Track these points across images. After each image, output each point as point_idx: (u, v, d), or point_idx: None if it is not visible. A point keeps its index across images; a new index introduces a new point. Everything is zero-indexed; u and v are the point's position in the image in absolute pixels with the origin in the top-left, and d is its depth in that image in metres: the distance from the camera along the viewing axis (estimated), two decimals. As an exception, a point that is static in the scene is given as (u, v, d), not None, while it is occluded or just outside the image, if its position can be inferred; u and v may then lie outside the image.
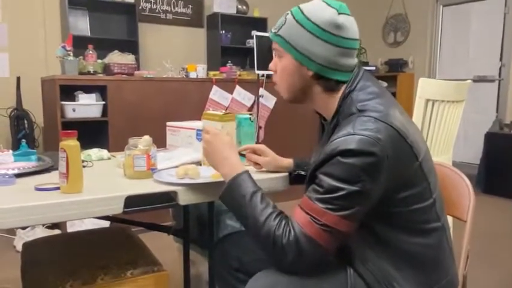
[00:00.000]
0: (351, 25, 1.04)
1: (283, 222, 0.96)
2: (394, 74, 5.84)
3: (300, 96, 1.11)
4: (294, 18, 1.05)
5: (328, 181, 0.93)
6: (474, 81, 4.96)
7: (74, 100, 2.97)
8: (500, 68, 5.05)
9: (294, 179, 1.34)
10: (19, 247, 2.59)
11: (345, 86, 1.06)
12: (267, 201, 1.00)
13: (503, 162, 4.22)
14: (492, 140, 4.38)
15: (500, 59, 5.04)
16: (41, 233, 2.70)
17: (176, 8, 4.89)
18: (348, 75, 1.06)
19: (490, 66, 5.13)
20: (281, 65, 1.10)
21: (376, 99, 1.00)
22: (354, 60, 1.07)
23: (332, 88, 1.07)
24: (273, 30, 1.09)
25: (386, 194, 0.96)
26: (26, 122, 3.81)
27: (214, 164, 1.12)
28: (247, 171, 1.06)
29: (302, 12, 1.04)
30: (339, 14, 1.03)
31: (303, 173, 1.32)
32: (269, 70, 1.17)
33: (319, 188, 0.94)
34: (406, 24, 6.00)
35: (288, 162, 1.35)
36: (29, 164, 1.34)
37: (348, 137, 0.92)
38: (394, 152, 0.93)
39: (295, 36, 1.04)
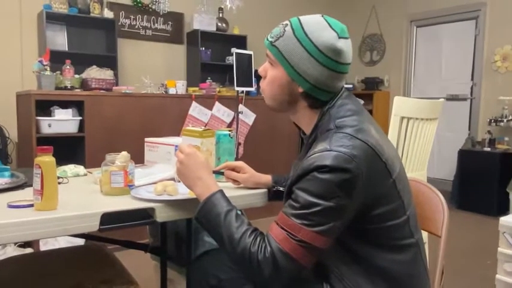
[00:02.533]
0: (348, 50, 1.05)
1: (259, 239, 0.96)
2: (370, 92, 5.98)
3: (284, 107, 1.12)
4: (294, 33, 1.03)
5: (304, 196, 0.94)
6: (447, 99, 5.12)
7: (49, 115, 2.92)
8: (472, 87, 5.23)
9: (273, 195, 1.35)
10: (-12, 267, 2.49)
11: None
12: (242, 219, 1.01)
13: (476, 179, 4.33)
14: (465, 157, 4.50)
15: (472, 79, 5.22)
16: (13, 251, 2.61)
17: (156, 25, 4.90)
18: (334, 95, 1.08)
19: (462, 85, 5.31)
20: (272, 74, 1.09)
21: (353, 117, 1.02)
22: (343, 83, 1.09)
23: (316, 106, 1.08)
24: (269, 39, 1.08)
25: (361, 211, 0.97)
26: (-1, 137, 3.72)
27: (188, 184, 1.12)
28: (220, 191, 1.07)
29: (302, 29, 1.03)
30: (339, 38, 1.03)
31: (281, 189, 1.33)
32: (258, 73, 1.15)
33: (295, 204, 0.95)
34: (381, 44, 6.17)
35: (267, 178, 1.36)
36: (2, 181, 1.30)
37: (324, 153, 0.94)
38: (369, 169, 0.95)
39: (292, 52, 1.03)
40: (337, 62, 1.03)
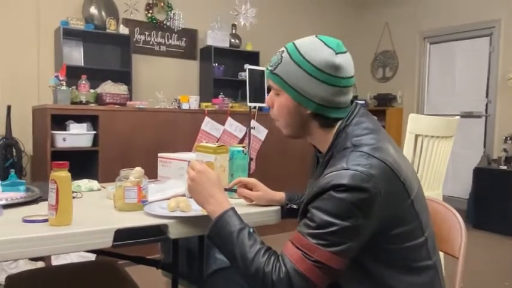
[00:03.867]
0: (347, 64, 1.04)
1: (273, 259, 0.95)
2: (383, 108, 5.95)
3: (299, 132, 1.12)
4: (291, 57, 1.04)
5: (320, 216, 0.92)
6: (461, 116, 5.07)
7: (64, 129, 2.96)
8: (486, 105, 5.17)
9: (286, 213, 1.33)
10: (1, 279, 2.50)
11: (341, 120, 1.06)
12: (255, 238, 1.00)
13: (492, 198, 4.25)
14: (480, 175, 4.43)
15: (487, 96, 5.17)
16: (25, 265, 2.62)
17: (170, 41, 4.97)
18: (345, 111, 1.07)
19: (477, 102, 5.26)
20: (278, 102, 1.09)
21: (370, 135, 1.00)
22: (350, 96, 1.08)
23: (329, 124, 1.07)
24: (269, 68, 1.09)
25: (378, 231, 0.95)
26: (14, 150, 3.77)
27: (199, 202, 1.11)
28: (232, 208, 1.06)
29: (298, 51, 1.04)
30: (337, 54, 1.03)
31: (295, 206, 1.31)
32: (265, 105, 1.17)
33: (311, 223, 0.93)
34: (394, 61, 6.16)
35: (280, 196, 1.35)
36: (18, 195, 1.31)
37: (341, 172, 0.92)
38: (387, 189, 0.93)
39: (292, 76, 1.03)
40: (338, 77, 1.02)
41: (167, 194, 1.37)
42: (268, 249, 0.98)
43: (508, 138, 4.60)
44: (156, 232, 1.12)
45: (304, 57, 1.03)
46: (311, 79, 1.02)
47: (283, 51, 1.07)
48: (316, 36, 1.06)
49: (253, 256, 0.96)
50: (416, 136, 2.25)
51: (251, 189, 1.34)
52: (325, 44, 1.04)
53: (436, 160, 2.34)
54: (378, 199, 0.91)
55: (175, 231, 1.13)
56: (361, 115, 1.06)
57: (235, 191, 1.34)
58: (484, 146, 5.16)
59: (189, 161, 1.55)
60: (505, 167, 4.34)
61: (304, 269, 0.91)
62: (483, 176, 4.41)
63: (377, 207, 0.92)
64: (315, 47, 1.03)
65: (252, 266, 0.95)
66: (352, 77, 1.06)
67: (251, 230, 1.03)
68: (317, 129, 1.09)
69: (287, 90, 1.05)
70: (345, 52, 1.05)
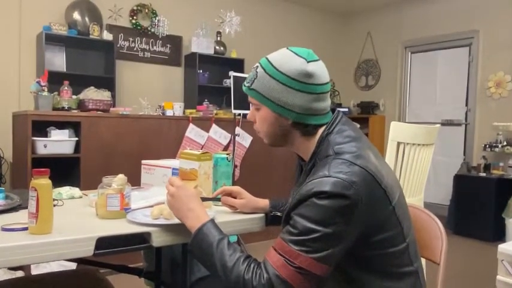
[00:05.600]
0: (320, 71, 1.07)
1: (252, 265, 0.96)
2: (366, 116, 6.03)
3: (280, 141, 1.14)
4: (265, 71, 1.07)
5: (302, 223, 0.93)
6: (442, 124, 5.17)
7: (46, 136, 2.91)
8: (466, 113, 5.29)
9: (271, 220, 1.34)
10: (-23, 290, 2.43)
11: (323, 128, 1.08)
12: (234, 247, 1.01)
13: (472, 204, 4.33)
14: (461, 182, 4.51)
15: (466, 104, 5.29)
16: (3, 274, 2.56)
17: (154, 47, 4.95)
18: (325, 117, 1.09)
19: (457, 110, 5.37)
20: (260, 116, 1.12)
21: (352, 143, 1.02)
22: (328, 102, 1.10)
23: (310, 132, 1.09)
24: (246, 85, 1.12)
25: (360, 237, 0.96)
26: (-7, 157, 3.69)
27: (179, 216, 1.12)
28: (211, 220, 1.08)
29: (272, 65, 1.07)
30: (308, 62, 1.05)
31: (279, 214, 1.32)
32: (248, 120, 1.18)
33: (294, 230, 0.94)
34: (376, 69, 6.26)
35: (264, 203, 1.35)
36: (-4, 203, 1.29)
37: (323, 179, 0.94)
38: (368, 196, 0.94)
39: (269, 89, 1.06)
40: (312, 84, 1.05)
41: (150, 202, 1.36)
42: (248, 257, 1.00)
43: (487, 146, 4.71)
44: (139, 240, 1.11)
45: (277, 69, 1.05)
46: (287, 89, 1.04)
47: (257, 66, 1.10)
48: (288, 48, 1.09)
49: (232, 264, 0.97)
50: (398, 143, 2.28)
51: (235, 197, 1.34)
52: (296, 54, 1.07)
53: (418, 167, 2.38)
54: (359, 206, 0.93)
55: (158, 239, 1.12)
56: (343, 123, 1.08)
57: (219, 199, 1.34)
58: (464, 154, 5.27)
59: (173, 168, 1.55)
60: (484, 174, 4.43)
61: (287, 275, 0.92)
62: (463, 183, 4.49)
63: (359, 213, 0.93)
64: (287, 59, 1.06)
65: (232, 275, 0.96)
66: (327, 83, 1.08)
67: (237, 238, 1.03)
68: (299, 138, 1.11)
69: (266, 104, 1.08)
70: (316, 60, 1.08)
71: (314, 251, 0.92)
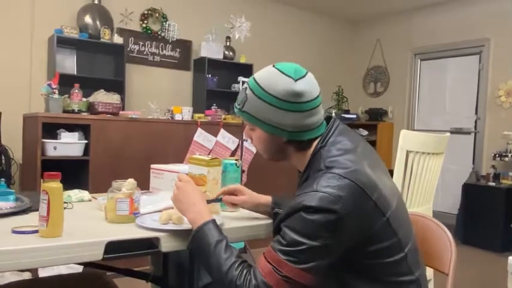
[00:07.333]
0: (309, 87, 1.06)
1: (245, 272, 0.98)
2: (374, 122, 6.00)
3: (277, 156, 1.17)
4: (254, 93, 1.08)
5: (290, 234, 0.96)
6: (451, 132, 5.12)
7: (55, 138, 2.93)
8: (475, 121, 5.24)
9: (274, 216, 1.34)
10: (-15, 290, 2.45)
11: (317, 141, 1.09)
12: (231, 251, 1.03)
13: (481, 214, 4.28)
14: (470, 191, 4.47)
15: (476, 113, 5.24)
16: (10, 276, 2.57)
17: (164, 51, 4.98)
18: (318, 130, 1.09)
19: (466, 119, 5.33)
20: (254, 135, 1.14)
21: (345, 155, 1.02)
22: (321, 114, 1.11)
23: (304, 147, 1.11)
24: (238, 107, 1.13)
25: (353, 248, 0.98)
26: (3, 158, 3.72)
27: (181, 209, 1.15)
28: (213, 220, 1.09)
29: (259, 86, 1.07)
30: (296, 81, 1.05)
31: (281, 211, 1.32)
32: (244, 138, 1.21)
33: (283, 240, 0.97)
34: (385, 76, 6.24)
35: (266, 199, 1.37)
36: (7, 205, 1.30)
37: (311, 194, 0.95)
38: (357, 209, 0.95)
39: (259, 111, 1.07)
40: (302, 102, 1.05)
41: (159, 206, 1.36)
42: (243, 262, 1.01)
43: (497, 155, 4.66)
44: (147, 245, 1.11)
45: (265, 91, 1.06)
46: (277, 110, 1.05)
47: (246, 88, 1.11)
48: (274, 66, 1.09)
49: (227, 269, 0.99)
50: (408, 152, 2.27)
51: (237, 196, 1.35)
52: (282, 73, 1.06)
53: (427, 176, 2.36)
54: (346, 219, 0.94)
55: (166, 245, 1.12)
56: (338, 133, 1.08)
57: (220, 200, 1.35)
58: (473, 162, 5.22)
59: (178, 174, 1.55)
60: (493, 184, 4.38)
61: (273, 282, 0.95)
62: (472, 192, 4.44)
63: (346, 227, 0.94)
64: (273, 79, 1.06)
65: (226, 279, 0.99)
66: (317, 97, 1.08)
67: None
68: (294, 153, 1.13)
69: (258, 125, 1.10)
70: (304, 76, 1.07)
71: (300, 262, 0.94)
